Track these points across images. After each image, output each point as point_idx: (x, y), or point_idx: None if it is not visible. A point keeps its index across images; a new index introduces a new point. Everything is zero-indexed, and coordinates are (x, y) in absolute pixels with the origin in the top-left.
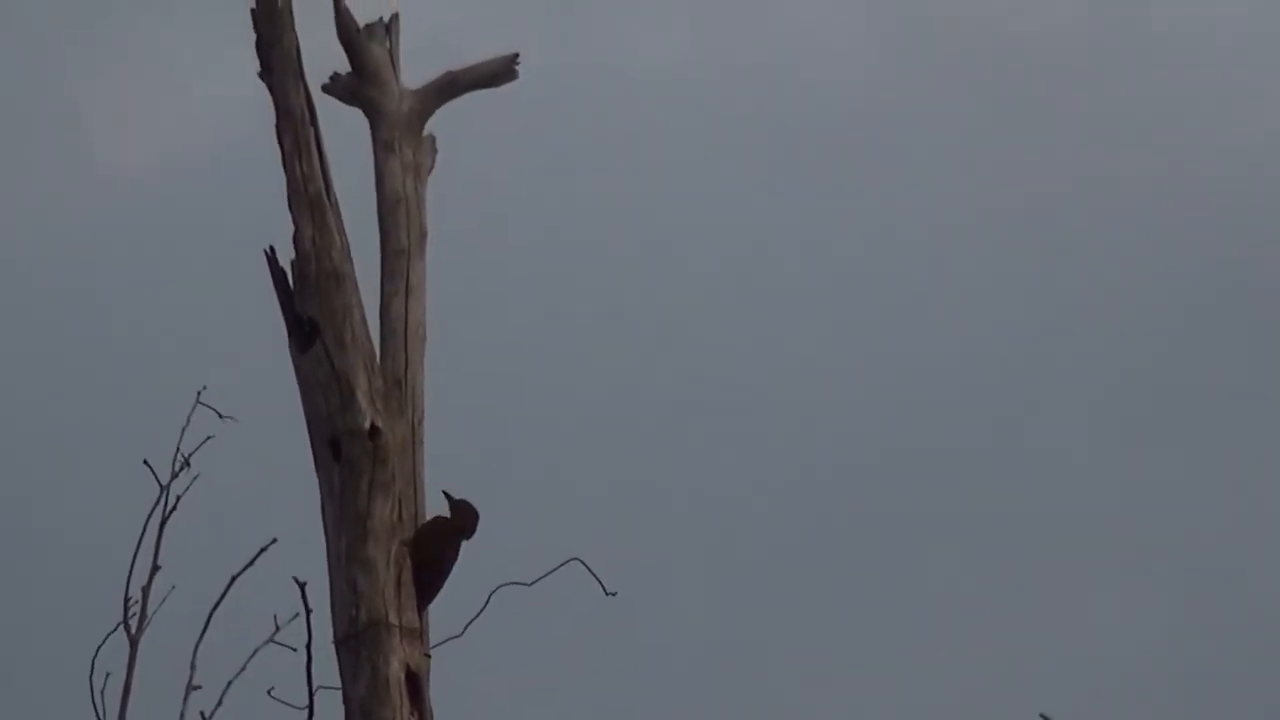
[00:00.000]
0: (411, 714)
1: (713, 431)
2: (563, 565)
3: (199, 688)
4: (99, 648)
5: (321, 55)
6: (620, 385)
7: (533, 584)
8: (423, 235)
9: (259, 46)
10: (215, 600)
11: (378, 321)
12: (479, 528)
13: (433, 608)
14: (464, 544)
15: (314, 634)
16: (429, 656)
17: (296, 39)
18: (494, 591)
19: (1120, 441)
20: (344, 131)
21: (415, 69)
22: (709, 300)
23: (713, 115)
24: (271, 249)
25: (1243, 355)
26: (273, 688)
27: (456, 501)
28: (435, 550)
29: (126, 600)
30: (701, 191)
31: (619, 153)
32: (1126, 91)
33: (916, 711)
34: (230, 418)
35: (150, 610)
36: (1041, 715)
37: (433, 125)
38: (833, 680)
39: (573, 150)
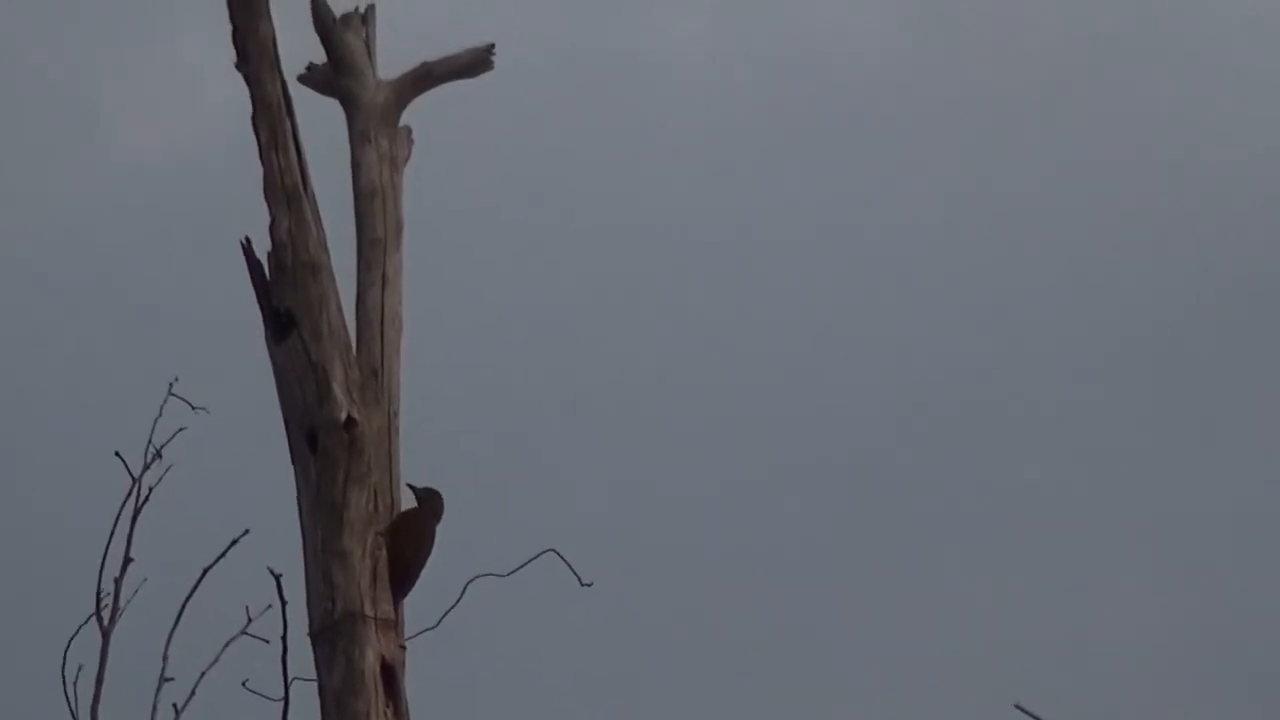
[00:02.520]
0: (387, 705)
1: (699, 420)
2: (538, 556)
3: (171, 679)
4: (71, 640)
5: (298, 46)
6: (606, 375)
7: (508, 575)
8: (399, 226)
9: (235, 36)
10: (188, 592)
11: (354, 312)
12: (457, 518)
13: (408, 599)
14: (440, 536)
15: (289, 625)
16: (404, 648)
17: (273, 29)
18: (469, 583)
19: (1121, 422)
20: (320, 122)
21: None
22: (717, 287)
23: (732, 101)
24: (248, 240)
25: (1248, 339)
26: (246, 679)
27: (421, 491)
28: (411, 542)
29: (99, 592)
30: (716, 176)
31: (634, 138)
32: (1147, 79)
33: (896, 696)
34: (202, 409)
35: (123, 602)
36: (1016, 706)
37: (454, 108)
38: (814, 666)
39: (588, 136)
